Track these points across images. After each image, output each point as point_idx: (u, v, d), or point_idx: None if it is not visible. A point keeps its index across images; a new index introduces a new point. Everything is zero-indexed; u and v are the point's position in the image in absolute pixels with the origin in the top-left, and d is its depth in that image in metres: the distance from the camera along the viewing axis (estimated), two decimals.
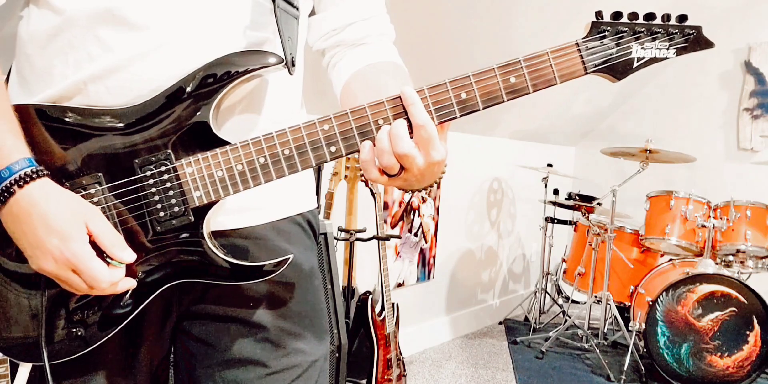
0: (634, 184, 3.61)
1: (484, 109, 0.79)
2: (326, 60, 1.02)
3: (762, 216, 3.24)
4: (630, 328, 3.22)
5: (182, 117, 0.78)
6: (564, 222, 4.11)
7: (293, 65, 0.84)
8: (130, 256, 0.76)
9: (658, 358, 3.05)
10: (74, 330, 0.80)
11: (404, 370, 2.61)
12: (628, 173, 3.57)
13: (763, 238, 3.21)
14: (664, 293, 3.05)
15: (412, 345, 3.43)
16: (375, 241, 2.49)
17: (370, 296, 2.38)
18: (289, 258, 0.82)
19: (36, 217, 0.72)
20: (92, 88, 0.80)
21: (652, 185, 3.69)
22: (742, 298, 3.00)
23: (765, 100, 4.16)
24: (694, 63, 4.23)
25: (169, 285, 0.81)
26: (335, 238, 2.22)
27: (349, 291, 2.45)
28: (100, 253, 0.74)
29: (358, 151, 0.78)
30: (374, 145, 0.77)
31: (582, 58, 0.79)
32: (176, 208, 0.79)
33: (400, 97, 0.77)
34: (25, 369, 0.84)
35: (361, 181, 2.46)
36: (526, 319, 4.15)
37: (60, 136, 0.79)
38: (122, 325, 0.81)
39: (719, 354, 3.02)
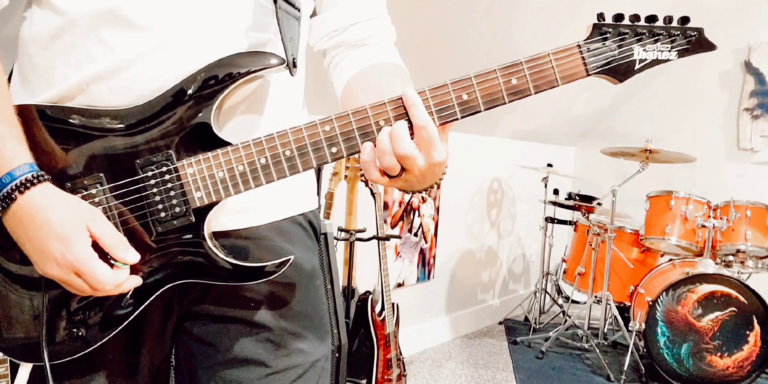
0: (634, 184, 3.61)
1: (485, 110, 0.79)
2: (327, 61, 1.02)
3: (762, 216, 3.24)
4: (630, 328, 3.22)
5: (184, 118, 0.78)
6: (564, 222, 4.11)
7: (295, 66, 0.84)
8: (134, 256, 0.76)
9: (658, 358, 3.05)
10: (75, 330, 0.80)
11: (404, 370, 2.61)
12: (628, 173, 3.57)
13: (763, 238, 3.21)
14: (664, 293, 3.05)
15: (412, 345, 3.42)
16: (375, 241, 2.48)
17: (370, 296, 2.37)
18: (290, 259, 0.82)
19: (38, 222, 0.72)
20: (94, 89, 0.80)
21: (652, 185, 3.69)
22: (742, 298, 3.00)
23: (765, 100, 4.16)
24: (694, 63, 4.20)
25: (169, 285, 0.81)
26: (335, 238, 2.22)
27: (349, 291, 2.44)
28: (104, 255, 0.74)
29: (359, 151, 0.78)
30: (375, 146, 0.77)
31: (584, 59, 0.79)
32: (177, 209, 0.79)
33: (401, 98, 0.77)
34: (25, 369, 0.84)
35: (361, 181, 2.46)
36: (526, 319, 4.15)
37: (61, 137, 0.79)
38: (123, 326, 0.81)
39: (719, 354, 3.02)
